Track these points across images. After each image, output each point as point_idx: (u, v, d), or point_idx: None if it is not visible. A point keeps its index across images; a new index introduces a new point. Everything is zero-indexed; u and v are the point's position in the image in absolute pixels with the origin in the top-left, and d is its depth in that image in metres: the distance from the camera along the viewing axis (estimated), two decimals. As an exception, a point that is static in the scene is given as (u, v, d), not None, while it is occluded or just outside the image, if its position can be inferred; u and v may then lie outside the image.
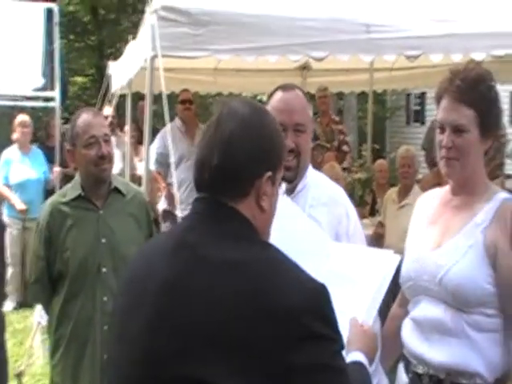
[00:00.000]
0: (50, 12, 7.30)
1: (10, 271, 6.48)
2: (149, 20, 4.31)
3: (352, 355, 1.55)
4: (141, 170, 6.82)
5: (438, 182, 5.27)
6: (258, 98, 10.36)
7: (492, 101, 2.00)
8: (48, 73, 7.10)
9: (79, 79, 17.19)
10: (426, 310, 1.99)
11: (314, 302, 1.28)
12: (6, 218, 6.51)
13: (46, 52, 7.17)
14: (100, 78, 15.43)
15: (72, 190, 2.83)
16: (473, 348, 1.91)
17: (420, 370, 2.01)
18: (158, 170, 6.14)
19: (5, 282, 3.36)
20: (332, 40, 4.43)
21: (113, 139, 4.19)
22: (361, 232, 2.26)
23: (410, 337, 2.04)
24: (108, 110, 7.16)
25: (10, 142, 7.07)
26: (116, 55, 10.69)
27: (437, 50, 4.63)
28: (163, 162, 6.08)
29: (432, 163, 6.79)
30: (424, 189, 3.90)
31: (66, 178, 6.51)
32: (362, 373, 1.55)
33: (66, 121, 11.87)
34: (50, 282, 2.79)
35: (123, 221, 2.81)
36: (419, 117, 16.80)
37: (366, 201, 6.20)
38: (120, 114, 8.02)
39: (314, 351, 1.24)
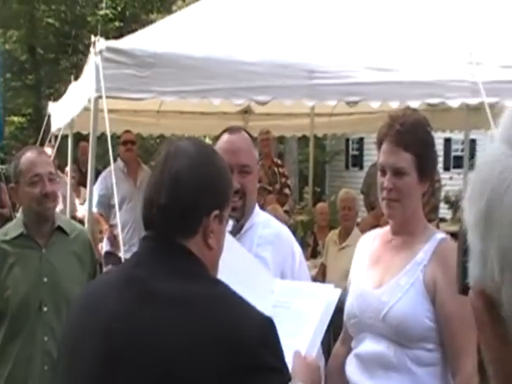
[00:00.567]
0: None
1: None
2: (93, 60, 4.31)
3: None
4: (81, 211, 6.72)
5: (377, 224, 5.41)
6: (201, 140, 10.42)
7: (429, 145, 2.10)
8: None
9: (15, 119, 16.89)
10: (370, 346, 2.04)
11: (263, 334, 1.30)
12: None
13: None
14: (38, 117, 15.21)
15: (14, 228, 2.78)
16: (415, 382, 1.97)
17: (365, 405, 2.04)
18: (100, 211, 6.06)
19: None
20: (275, 85, 4.53)
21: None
22: (306, 270, 2.31)
23: (355, 373, 2.08)
24: (48, 151, 7.05)
25: None
26: (55, 95, 10.59)
27: (375, 97, 4.79)
28: (105, 203, 6.02)
29: (370, 207, 6.95)
30: (363, 231, 3.98)
31: (2, 219, 6.35)
32: None
33: (2, 161, 11.62)
34: None
35: (66, 260, 2.78)
36: (358, 161, 17.21)
37: (307, 242, 6.28)
38: (59, 154, 7.91)
39: (263, 382, 1.26)
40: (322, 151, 16.67)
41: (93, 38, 4.32)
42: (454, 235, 2.20)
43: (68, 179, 6.94)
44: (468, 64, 4.73)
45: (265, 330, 1.31)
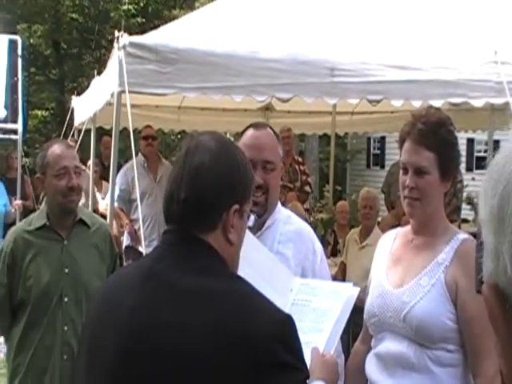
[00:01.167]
0: (13, 44, 7.28)
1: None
2: (116, 55, 4.33)
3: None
4: (102, 205, 6.77)
5: (397, 223, 5.39)
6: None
7: (452, 145, 2.08)
8: (10, 105, 7.03)
9: (39, 113, 17.09)
10: (390, 345, 2.03)
11: (282, 332, 1.30)
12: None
13: (8, 84, 7.11)
14: (60, 112, 15.36)
15: (37, 219, 2.84)
16: (434, 382, 1.96)
17: (384, 404, 2.03)
18: (120, 206, 6.10)
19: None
20: (297, 82, 4.52)
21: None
22: (327, 268, 2.31)
23: (375, 372, 2.08)
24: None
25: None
26: (78, 90, 10.68)
27: (398, 96, 4.76)
28: (125, 198, 6.07)
29: (391, 206, 6.91)
30: (383, 230, 3.97)
31: (25, 212, 6.42)
32: None
33: (26, 154, 11.76)
34: (11, 310, 2.77)
35: (87, 252, 2.82)
36: (379, 160, 17.13)
37: (328, 241, 6.26)
38: (81, 148, 7.99)
39: (281, 379, 1.27)
40: (343, 150, 16.62)
41: (116, 34, 4.35)
42: (476, 236, 2.17)
43: (90, 173, 7.00)
44: (493, 63, 4.68)
45: (283, 327, 1.31)
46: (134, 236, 6.02)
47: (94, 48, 17.11)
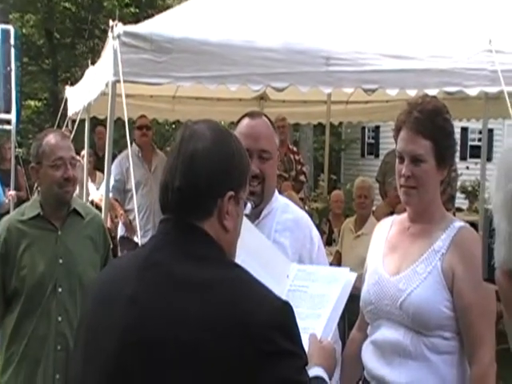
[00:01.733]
0: (6, 33, 7.23)
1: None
2: (111, 45, 4.31)
3: (312, 370, 1.57)
4: (97, 196, 6.75)
5: (391, 211, 5.40)
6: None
7: (448, 132, 2.08)
8: (3, 95, 7.00)
9: (32, 103, 16.98)
10: (387, 333, 2.04)
11: (281, 319, 1.30)
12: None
13: (1, 74, 7.07)
14: (54, 102, 15.28)
15: (31, 208, 2.82)
16: (431, 369, 1.97)
17: (380, 391, 2.04)
18: (115, 196, 6.09)
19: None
20: (292, 71, 4.51)
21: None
22: (324, 256, 2.31)
23: (371, 359, 2.08)
24: (65, 135, 7.08)
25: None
26: (71, 80, 10.61)
27: (393, 85, 4.76)
28: (120, 188, 6.06)
29: (386, 195, 6.92)
30: (378, 219, 3.97)
31: (19, 202, 6.40)
32: None
33: (19, 144, 11.70)
34: (4, 300, 2.76)
35: (81, 243, 2.81)
36: (373, 149, 17.14)
37: (323, 230, 6.28)
38: (74, 138, 7.96)
39: (281, 366, 1.27)
40: (338, 139, 16.63)
41: (111, 23, 4.32)
42: (470, 225, 2.18)
43: (85, 164, 6.98)
44: (488, 52, 4.68)
45: (281, 315, 1.31)
46: (129, 226, 6.01)
47: (87, 38, 16.98)
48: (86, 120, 6.95)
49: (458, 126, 11.40)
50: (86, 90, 6.02)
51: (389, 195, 6.27)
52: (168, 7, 11.05)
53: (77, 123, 6.92)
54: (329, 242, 6.26)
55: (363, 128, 17.19)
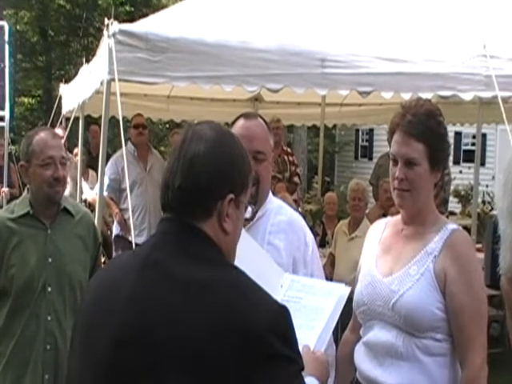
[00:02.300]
0: (0, 30, 7.20)
1: None
2: (106, 43, 4.30)
3: (306, 380, 1.57)
4: (91, 195, 6.72)
5: (383, 213, 5.41)
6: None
7: (441, 136, 2.08)
8: (-4, 92, 6.97)
9: (25, 100, 16.93)
10: (379, 334, 2.05)
11: (278, 323, 1.30)
12: None
13: (-5, 70, 7.05)
14: (47, 99, 15.24)
15: (20, 206, 2.77)
16: (422, 371, 1.98)
17: (373, 392, 2.05)
18: (110, 195, 6.07)
19: None
20: (287, 73, 4.52)
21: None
22: (318, 258, 2.31)
23: (363, 361, 2.09)
24: (59, 132, 7.06)
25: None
26: (65, 77, 10.59)
27: (387, 88, 4.77)
28: (116, 187, 6.04)
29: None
30: (371, 221, 3.99)
31: (12, 199, 6.37)
32: None
33: (12, 141, 11.66)
34: None
35: (71, 241, 2.78)
36: (367, 152, 17.18)
37: (316, 232, 6.28)
38: (68, 136, 7.94)
39: (277, 371, 1.26)
40: (332, 141, 16.65)
41: (106, 21, 4.31)
42: (463, 229, 2.19)
43: (79, 163, 6.96)
44: (482, 57, 4.71)
45: (278, 318, 1.30)
46: (124, 225, 5.99)
47: (81, 36, 16.95)
48: (80, 118, 6.94)
49: (451, 130, 11.44)
50: (81, 88, 6.00)
51: (380, 198, 6.30)
52: (163, 6, 11.06)
53: (71, 121, 6.90)
54: (322, 244, 6.27)
55: (357, 130, 17.23)
